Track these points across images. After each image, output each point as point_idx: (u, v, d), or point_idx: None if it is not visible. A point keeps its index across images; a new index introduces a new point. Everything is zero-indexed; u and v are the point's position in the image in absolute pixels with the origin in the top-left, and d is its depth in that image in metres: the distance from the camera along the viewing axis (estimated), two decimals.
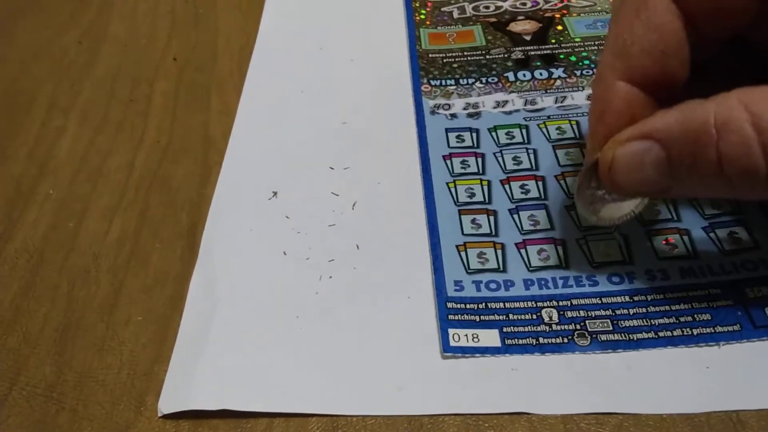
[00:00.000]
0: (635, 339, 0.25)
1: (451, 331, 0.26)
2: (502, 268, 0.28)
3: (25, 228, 0.32)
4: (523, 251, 0.28)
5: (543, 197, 0.30)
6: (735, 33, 0.25)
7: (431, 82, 0.37)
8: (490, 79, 0.36)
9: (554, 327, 0.25)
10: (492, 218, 0.30)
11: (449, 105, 0.35)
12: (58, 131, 0.37)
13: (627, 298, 0.26)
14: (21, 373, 0.26)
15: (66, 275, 0.30)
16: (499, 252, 0.28)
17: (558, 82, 0.36)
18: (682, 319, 0.25)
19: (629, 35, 0.24)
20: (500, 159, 0.32)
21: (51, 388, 0.26)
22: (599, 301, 0.26)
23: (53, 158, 0.35)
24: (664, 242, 0.28)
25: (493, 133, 0.33)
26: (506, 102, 0.35)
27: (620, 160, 0.23)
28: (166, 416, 0.25)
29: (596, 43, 0.38)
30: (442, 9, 0.42)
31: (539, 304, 0.26)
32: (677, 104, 0.22)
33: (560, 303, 0.26)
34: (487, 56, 0.38)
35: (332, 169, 0.33)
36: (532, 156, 0.32)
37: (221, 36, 0.42)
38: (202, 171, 0.34)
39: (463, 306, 0.26)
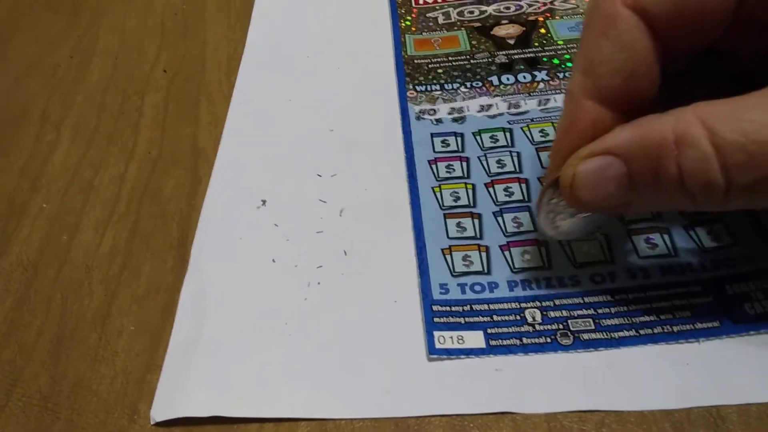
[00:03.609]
0: (617, 337, 0.25)
1: (436, 333, 0.26)
2: (486, 270, 0.28)
3: (19, 242, 0.32)
4: (507, 253, 0.29)
5: (527, 199, 0.31)
6: (706, 46, 0.24)
7: (417, 87, 0.37)
8: (474, 84, 0.37)
9: (537, 327, 0.26)
10: (477, 221, 0.30)
11: (434, 110, 0.36)
12: (51, 145, 0.37)
13: (609, 297, 0.26)
14: (17, 385, 0.27)
15: (60, 288, 0.30)
16: (484, 254, 0.29)
17: (541, 85, 0.36)
18: (662, 317, 0.26)
19: (597, 54, 0.23)
20: (485, 162, 0.32)
21: (46, 398, 0.26)
22: (581, 301, 0.26)
23: (46, 172, 0.36)
24: (644, 241, 0.28)
25: (478, 137, 0.34)
26: (490, 106, 0.35)
27: (581, 176, 0.23)
28: (158, 424, 0.25)
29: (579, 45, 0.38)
30: (427, 15, 0.42)
31: (523, 305, 0.27)
32: (638, 119, 0.22)
33: (543, 303, 0.27)
34: (472, 61, 0.38)
35: (320, 176, 0.33)
36: (515, 159, 0.32)
37: (210, 47, 0.42)
38: (192, 182, 0.34)
39: (448, 308, 0.27)
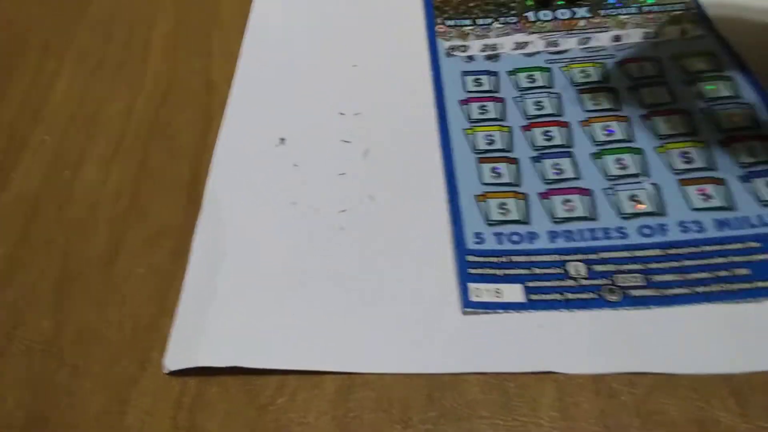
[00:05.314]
0: (669, 294, 0.23)
1: (471, 285, 0.24)
2: (524, 220, 0.26)
3: (19, 177, 0.30)
4: (546, 201, 0.27)
5: (568, 144, 0.28)
6: None
7: (446, 22, 0.34)
8: (509, 19, 0.34)
9: (582, 282, 0.24)
10: (513, 167, 0.28)
11: (466, 47, 0.33)
12: (53, 75, 0.35)
13: (659, 251, 0.24)
14: (18, 327, 0.25)
15: (62, 227, 0.28)
16: (522, 202, 0.27)
17: (582, 23, 0.33)
18: (719, 274, 0.24)
19: None
20: (521, 104, 0.30)
21: (50, 343, 0.25)
22: (629, 255, 0.24)
23: (47, 103, 0.33)
24: (697, 191, 0.26)
25: (513, 77, 0.31)
26: (526, 43, 0.33)
27: None
28: (172, 373, 0.23)
29: None
30: None
31: (565, 257, 0.25)
32: None
33: (588, 256, 0.25)
34: None
35: (342, 114, 0.31)
36: (555, 101, 0.30)
37: None
38: (204, 117, 0.32)
39: (484, 259, 0.25)
